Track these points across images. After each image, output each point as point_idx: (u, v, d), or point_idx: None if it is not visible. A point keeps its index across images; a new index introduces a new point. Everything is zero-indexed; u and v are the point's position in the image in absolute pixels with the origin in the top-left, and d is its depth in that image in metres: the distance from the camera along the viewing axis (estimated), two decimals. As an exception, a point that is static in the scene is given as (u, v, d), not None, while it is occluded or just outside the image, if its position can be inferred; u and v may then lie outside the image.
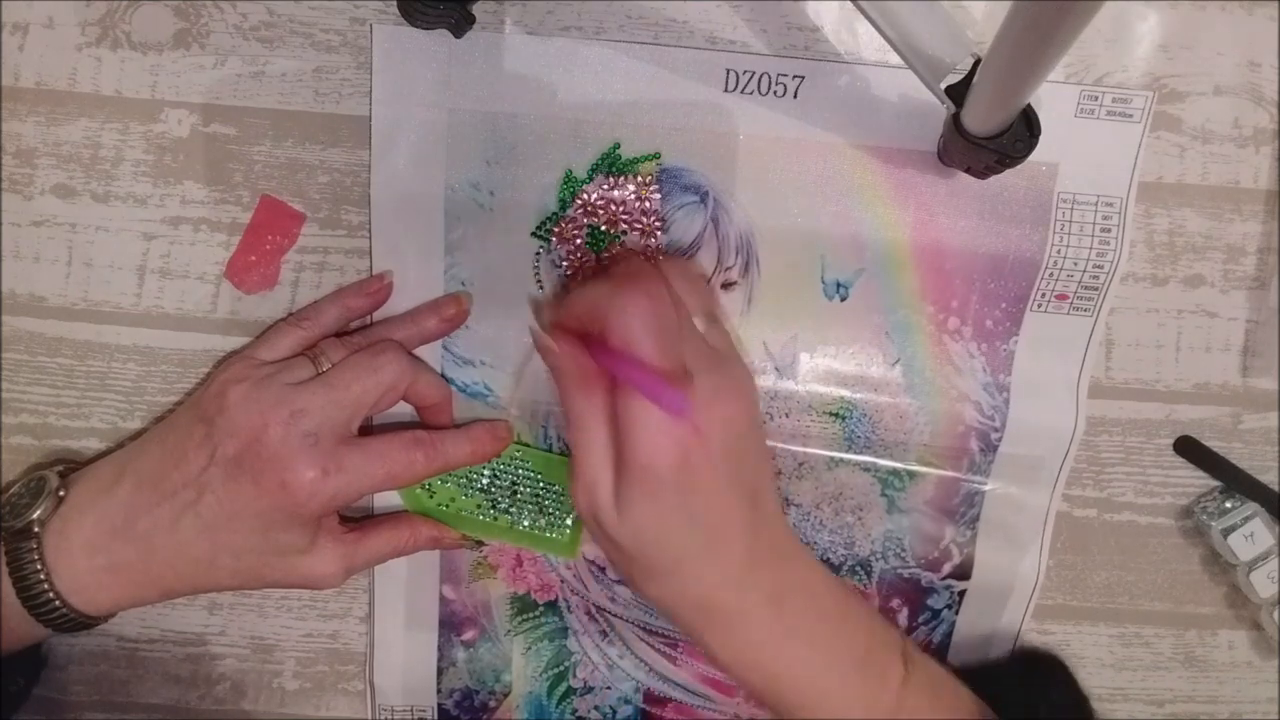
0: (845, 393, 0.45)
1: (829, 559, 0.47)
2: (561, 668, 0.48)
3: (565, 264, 0.44)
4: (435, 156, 0.43)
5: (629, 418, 0.33)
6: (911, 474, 0.46)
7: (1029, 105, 0.36)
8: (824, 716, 0.37)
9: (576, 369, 0.35)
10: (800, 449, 0.46)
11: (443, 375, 0.45)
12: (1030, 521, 0.47)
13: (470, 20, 0.41)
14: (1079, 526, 0.48)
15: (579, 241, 0.44)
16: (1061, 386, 0.46)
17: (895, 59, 0.38)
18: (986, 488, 0.46)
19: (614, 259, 0.39)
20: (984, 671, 0.46)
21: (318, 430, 0.39)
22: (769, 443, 0.45)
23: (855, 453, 0.46)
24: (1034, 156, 0.38)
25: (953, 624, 0.48)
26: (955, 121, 0.37)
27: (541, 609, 0.48)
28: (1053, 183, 0.44)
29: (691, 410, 0.32)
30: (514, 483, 0.45)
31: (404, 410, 0.44)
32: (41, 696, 0.47)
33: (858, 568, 0.47)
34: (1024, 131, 0.37)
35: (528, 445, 0.46)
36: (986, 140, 0.37)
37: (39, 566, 0.39)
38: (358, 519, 0.45)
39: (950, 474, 0.46)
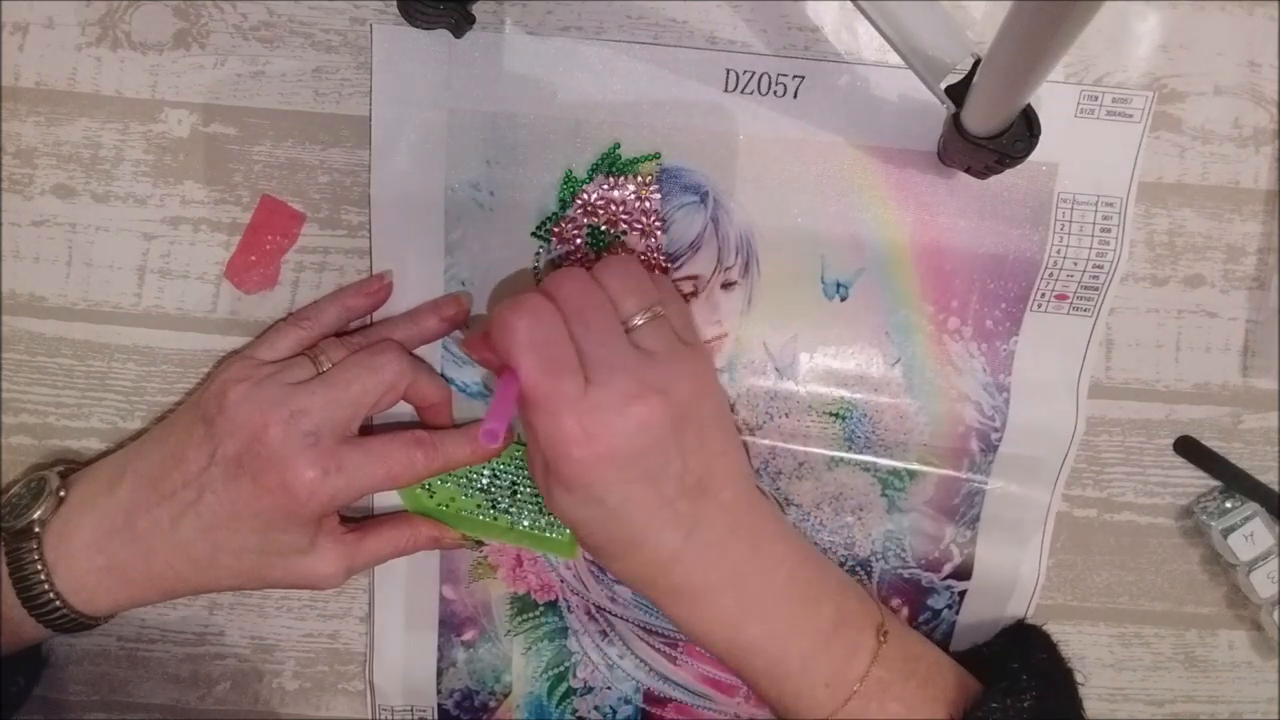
0: (845, 393, 0.45)
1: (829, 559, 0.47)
2: (561, 668, 0.48)
3: (565, 264, 0.44)
4: (435, 156, 0.43)
5: (534, 426, 0.36)
6: (912, 474, 0.46)
7: (1029, 105, 0.36)
8: (788, 686, 0.39)
9: (490, 364, 0.38)
10: (800, 449, 0.46)
11: (443, 375, 0.45)
12: (1031, 521, 0.47)
13: (470, 20, 0.41)
14: (1079, 526, 0.48)
15: (579, 241, 0.44)
16: (1061, 386, 0.46)
17: (895, 59, 0.38)
18: (987, 488, 0.46)
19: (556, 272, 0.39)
20: (975, 649, 0.46)
21: (318, 430, 0.39)
22: (769, 441, 0.45)
23: (855, 453, 0.46)
24: (1034, 156, 0.38)
25: (953, 624, 0.48)
26: (955, 121, 0.37)
27: (541, 609, 0.48)
28: (1053, 183, 0.44)
29: (499, 431, 0.34)
30: (514, 483, 0.45)
31: (404, 410, 0.44)
32: (41, 696, 0.47)
33: (858, 568, 0.47)
34: (1024, 131, 0.37)
35: (528, 445, 0.46)
36: (986, 140, 0.37)
37: (39, 567, 0.39)
38: (358, 519, 0.45)
39: (950, 474, 0.46)
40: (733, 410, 0.45)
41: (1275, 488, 0.46)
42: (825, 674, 0.39)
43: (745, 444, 0.45)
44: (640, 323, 0.38)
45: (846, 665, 0.39)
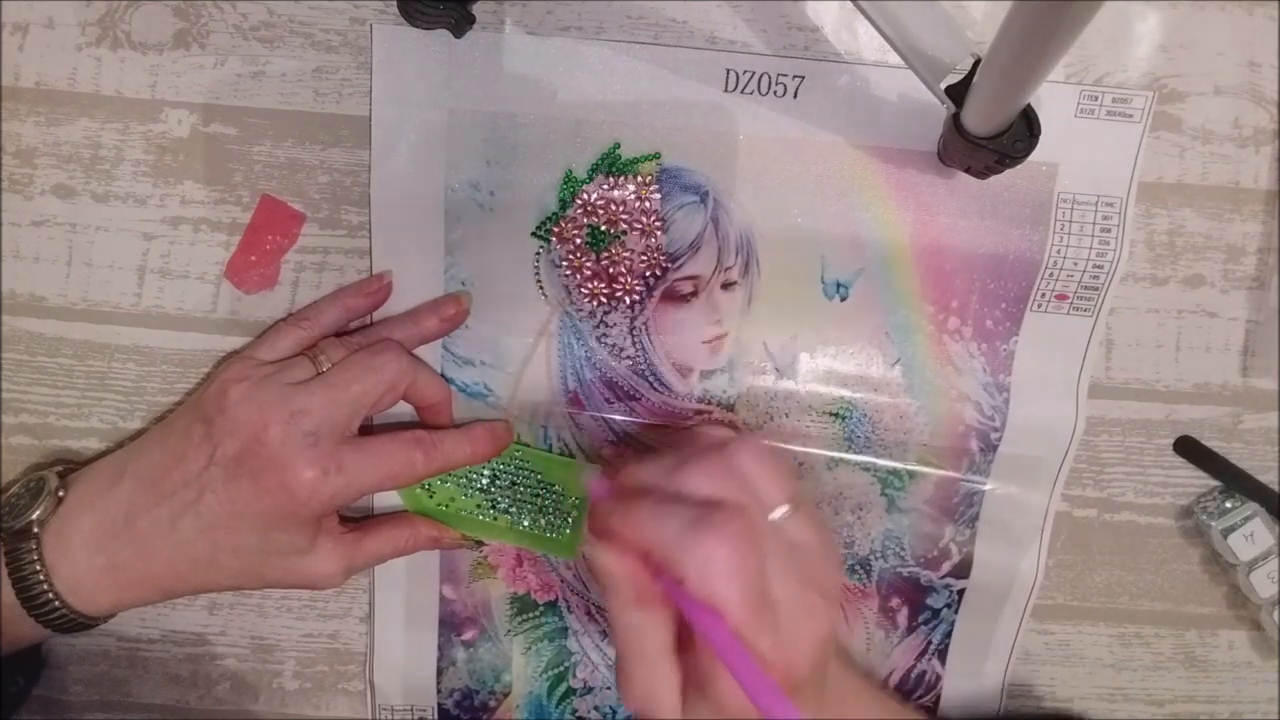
0: (845, 393, 0.45)
1: (829, 559, 0.47)
2: (561, 668, 0.48)
3: (565, 264, 0.44)
4: (435, 156, 0.43)
5: (723, 675, 0.31)
6: (911, 474, 0.46)
7: (1029, 105, 0.36)
8: None
9: (633, 585, 0.31)
10: (800, 449, 0.45)
11: (443, 375, 0.45)
12: (1030, 521, 0.47)
13: (470, 20, 0.41)
14: (1079, 526, 0.48)
15: (579, 241, 0.44)
16: (1061, 386, 0.46)
17: (895, 59, 0.38)
18: (986, 487, 0.46)
19: (679, 436, 0.35)
20: None
21: (318, 430, 0.39)
22: (769, 442, 0.45)
23: (855, 453, 0.46)
24: (1034, 156, 0.38)
25: (952, 623, 0.48)
26: (955, 121, 0.37)
27: (541, 609, 0.48)
28: (1053, 183, 0.44)
29: (794, 710, 0.29)
30: (514, 483, 0.45)
31: (404, 410, 0.44)
32: (41, 696, 0.47)
33: (857, 567, 0.47)
34: (1024, 131, 0.37)
35: (528, 445, 0.46)
36: (986, 140, 0.37)
37: (38, 567, 0.39)
38: (358, 519, 0.45)
39: (950, 474, 0.46)
40: (732, 410, 0.45)
41: (1275, 488, 0.46)
42: None
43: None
44: (788, 515, 0.33)
45: None
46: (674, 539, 0.30)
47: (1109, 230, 0.44)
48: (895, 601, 0.47)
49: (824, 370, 0.45)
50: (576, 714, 0.49)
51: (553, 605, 0.48)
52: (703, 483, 0.32)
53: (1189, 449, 0.47)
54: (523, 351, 0.45)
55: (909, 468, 0.46)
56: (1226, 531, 0.46)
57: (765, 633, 0.30)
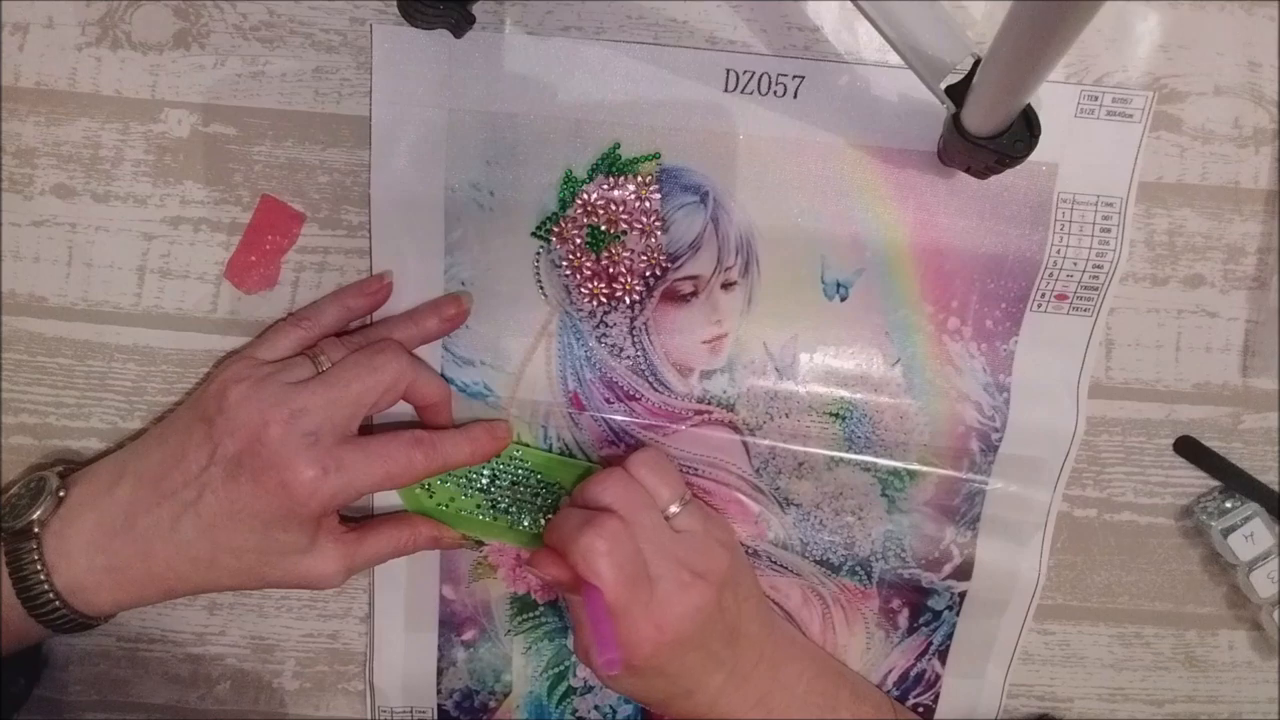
0: (845, 393, 0.45)
1: (829, 559, 0.47)
2: (561, 667, 0.48)
3: (565, 264, 0.44)
4: (435, 156, 0.43)
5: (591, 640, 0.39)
6: (912, 474, 0.46)
7: (1029, 105, 0.36)
8: None
9: (564, 580, 0.40)
10: (800, 449, 0.45)
11: (443, 375, 0.45)
12: (1031, 522, 0.47)
13: (470, 20, 0.41)
14: (1079, 526, 0.48)
15: (579, 241, 0.44)
16: (1061, 387, 0.46)
17: (895, 59, 0.38)
18: (987, 488, 0.46)
19: (589, 483, 0.42)
20: None
21: (318, 429, 0.39)
22: (769, 442, 0.45)
23: (855, 453, 0.46)
24: (1034, 156, 0.38)
25: (954, 625, 0.48)
26: (955, 121, 0.37)
27: (541, 609, 0.48)
28: (1053, 183, 0.44)
29: (616, 650, 0.38)
30: (514, 483, 0.45)
31: (404, 410, 0.44)
32: (42, 696, 0.47)
33: (858, 568, 0.47)
34: (1024, 131, 0.37)
35: (528, 445, 0.46)
36: (986, 140, 0.37)
37: (39, 567, 0.39)
38: (358, 519, 0.45)
39: (950, 474, 0.46)
40: (732, 410, 0.45)
41: (1275, 488, 0.46)
42: None
43: (745, 444, 0.45)
44: (676, 510, 0.42)
45: None
46: (569, 537, 0.39)
47: (1109, 230, 0.44)
48: (896, 603, 0.47)
49: (824, 370, 0.45)
50: (576, 714, 0.49)
51: (553, 605, 0.48)
52: (601, 493, 0.41)
53: (1189, 449, 0.47)
54: (523, 351, 0.45)
55: (909, 468, 0.46)
56: (1226, 531, 0.46)
57: (638, 602, 0.39)
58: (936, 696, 0.49)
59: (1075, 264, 0.44)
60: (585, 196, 0.44)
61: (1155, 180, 0.45)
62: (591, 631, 0.39)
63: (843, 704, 0.45)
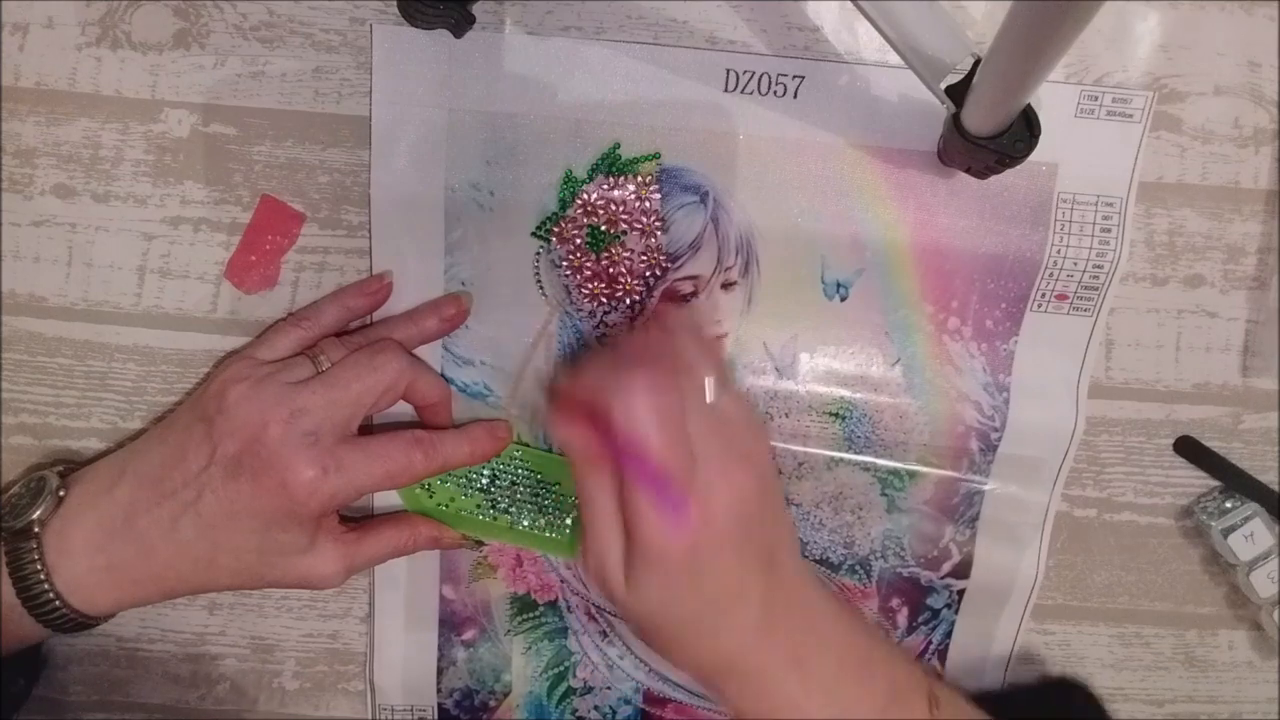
0: (845, 393, 0.45)
1: (828, 558, 0.47)
2: (561, 668, 0.48)
3: (565, 264, 0.44)
4: (435, 156, 0.43)
5: (637, 506, 0.33)
6: (911, 474, 0.46)
7: (1029, 105, 0.36)
8: None
9: (583, 447, 0.35)
10: (800, 449, 0.46)
11: (443, 375, 0.45)
12: (1030, 521, 0.47)
13: (470, 20, 0.41)
14: (1079, 526, 0.48)
15: (579, 241, 0.44)
16: (1061, 387, 0.46)
17: (895, 59, 0.38)
18: (986, 488, 0.46)
19: (626, 336, 0.37)
20: (1010, 697, 0.46)
21: (317, 429, 0.39)
22: (770, 443, 0.45)
23: (855, 453, 0.46)
24: (1034, 156, 0.38)
25: (952, 623, 0.48)
26: (955, 121, 0.37)
27: (541, 609, 0.48)
28: (1053, 183, 0.44)
29: (690, 505, 0.32)
30: (514, 483, 0.45)
31: (404, 410, 0.44)
32: (42, 697, 0.47)
33: (857, 567, 0.47)
34: (1024, 131, 0.37)
35: (528, 445, 0.46)
36: (986, 140, 0.37)
37: (39, 567, 0.39)
38: (358, 519, 0.45)
39: (950, 474, 0.46)
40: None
41: (1275, 488, 0.46)
42: None
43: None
44: (712, 388, 0.36)
45: None
46: (604, 381, 0.33)
47: (1109, 230, 0.44)
48: (895, 601, 0.47)
49: (824, 370, 0.45)
50: (576, 714, 0.49)
51: (553, 605, 0.48)
52: (640, 350, 0.36)
53: (1189, 449, 0.47)
54: (523, 351, 0.45)
55: (909, 467, 0.46)
56: (1226, 531, 0.46)
57: (684, 478, 0.33)
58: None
59: (1075, 264, 0.44)
60: (585, 196, 0.44)
61: (1155, 180, 0.45)
62: (643, 494, 0.32)
63: (878, 665, 0.39)
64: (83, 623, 0.41)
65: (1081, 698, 0.44)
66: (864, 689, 0.37)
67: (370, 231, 0.44)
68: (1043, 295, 0.45)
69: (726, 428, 0.35)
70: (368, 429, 0.44)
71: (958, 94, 0.37)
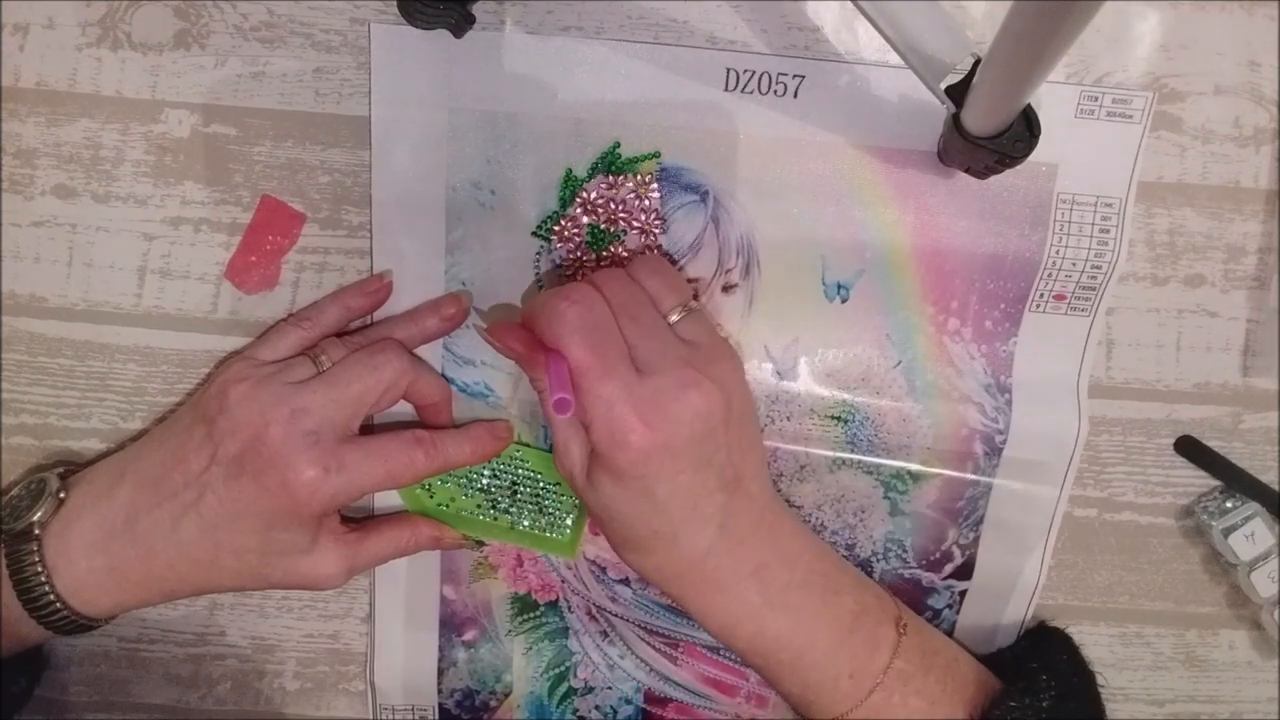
0: (847, 396, 0.45)
1: (829, 559, 0.47)
2: (562, 668, 0.48)
3: (565, 263, 0.44)
4: (435, 156, 0.43)
5: (589, 413, 0.36)
6: (915, 477, 0.46)
7: (1029, 105, 0.36)
8: (812, 678, 0.39)
9: (527, 350, 0.38)
10: (802, 449, 0.45)
11: (443, 375, 0.45)
12: (1037, 524, 0.46)
13: (470, 20, 0.41)
14: (1080, 526, 0.48)
15: (579, 241, 0.44)
16: (1062, 387, 0.46)
17: (895, 59, 0.38)
18: (992, 491, 0.46)
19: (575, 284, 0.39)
20: (998, 651, 0.46)
21: (318, 429, 0.39)
22: (771, 444, 0.45)
23: (858, 456, 0.46)
24: (1034, 156, 0.38)
25: (953, 624, 0.48)
26: (955, 121, 0.37)
27: (542, 609, 0.48)
28: (1052, 183, 0.44)
29: (570, 402, 0.35)
30: (514, 483, 0.45)
31: (404, 410, 0.44)
32: (42, 697, 0.47)
33: (859, 568, 0.47)
34: (1024, 131, 0.37)
35: (528, 445, 0.46)
36: (986, 140, 0.37)
37: (39, 569, 0.39)
38: (358, 519, 0.45)
39: (954, 476, 0.46)
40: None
41: (1275, 487, 0.46)
42: (848, 665, 0.39)
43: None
44: (678, 318, 0.39)
45: (869, 657, 0.40)
46: (538, 306, 0.37)
47: (1107, 231, 0.44)
48: (896, 601, 0.47)
49: (825, 373, 0.45)
50: (577, 714, 0.49)
51: (553, 605, 0.48)
52: (609, 284, 0.38)
53: (1189, 449, 0.47)
54: (523, 352, 0.45)
55: (912, 470, 0.46)
56: (1227, 531, 0.46)
57: (616, 381, 0.35)
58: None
59: (1074, 264, 0.44)
60: (585, 195, 0.44)
61: (1156, 180, 0.45)
62: (550, 378, 0.35)
63: (846, 589, 0.41)
64: (83, 624, 0.41)
65: (1059, 639, 0.45)
66: (828, 603, 0.40)
67: (371, 231, 0.44)
68: (1041, 295, 0.45)
69: (689, 349, 0.38)
70: (368, 429, 0.44)
71: (958, 94, 0.37)
